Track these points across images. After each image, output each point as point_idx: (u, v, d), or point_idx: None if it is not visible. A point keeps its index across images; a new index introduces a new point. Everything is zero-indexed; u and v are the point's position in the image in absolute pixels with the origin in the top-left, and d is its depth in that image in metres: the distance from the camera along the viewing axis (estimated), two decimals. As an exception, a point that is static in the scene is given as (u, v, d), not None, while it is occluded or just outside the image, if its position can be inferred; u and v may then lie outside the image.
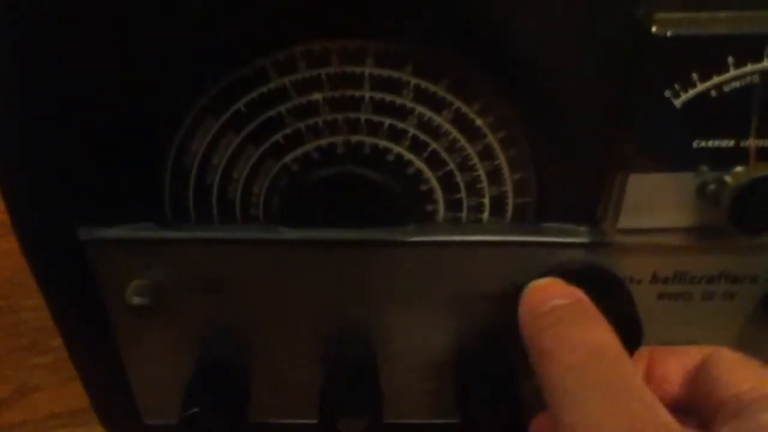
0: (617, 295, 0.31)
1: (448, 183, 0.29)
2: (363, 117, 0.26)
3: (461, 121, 0.27)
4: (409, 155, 0.28)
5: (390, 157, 0.28)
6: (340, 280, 0.31)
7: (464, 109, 0.26)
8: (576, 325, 0.25)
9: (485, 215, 0.30)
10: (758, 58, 0.24)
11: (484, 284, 0.31)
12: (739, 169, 0.27)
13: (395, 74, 0.25)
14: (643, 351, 0.29)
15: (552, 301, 0.27)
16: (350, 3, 0.24)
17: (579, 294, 0.27)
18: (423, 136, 0.27)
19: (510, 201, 0.29)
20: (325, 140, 0.27)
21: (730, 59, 0.24)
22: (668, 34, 0.24)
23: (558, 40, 0.24)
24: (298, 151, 0.27)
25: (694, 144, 0.26)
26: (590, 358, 0.23)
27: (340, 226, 0.29)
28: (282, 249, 0.30)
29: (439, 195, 0.29)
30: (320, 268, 0.30)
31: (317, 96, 0.26)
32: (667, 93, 0.25)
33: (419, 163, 0.28)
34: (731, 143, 0.26)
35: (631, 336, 0.30)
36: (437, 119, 0.26)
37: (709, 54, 0.24)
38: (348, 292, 0.32)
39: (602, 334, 0.25)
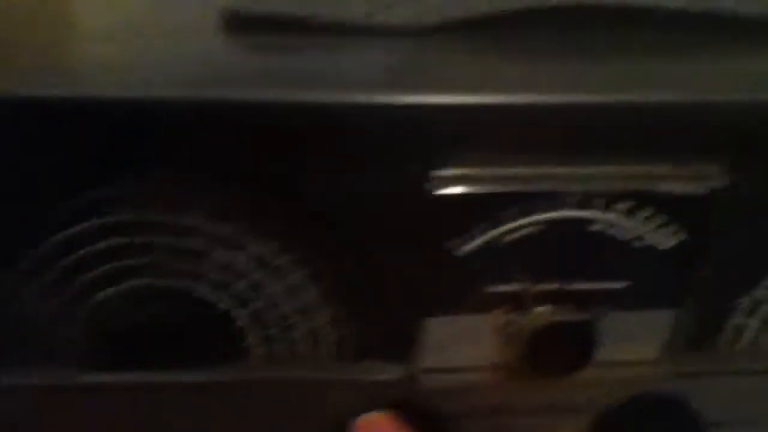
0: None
1: (257, 320, 0.28)
2: (160, 261, 0.26)
3: (261, 261, 0.27)
4: (213, 295, 0.27)
5: (193, 299, 0.27)
6: (153, 425, 0.30)
7: (263, 248, 0.26)
8: None
9: (302, 349, 0.29)
10: (531, 213, 0.25)
11: (304, 421, 0.31)
12: (531, 313, 0.27)
13: (188, 219, 0.25)
14: None
15: None
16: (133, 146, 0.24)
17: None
18: (224, 277, 0.27)
19: (324, 335, 0.29)
20: (124, 285, 0.27)
21: (505, 213, 0.25)
22: (443, 191, 0.24)
23: (345, 191, 0.25)
24: (98, 297, 0.27)
25: (485, 289, 0.27)
26: None
27: (149, 369, 0.29)
28: (84, 394, 0.29)
29: (251, 332, 0.29)
30: (128, 413, 0.30)
31: (112, 242, 0.26)
32: (450, 244, 0.26)
33: (225, 302, 0.28)
34: (520, 289, 0.27)
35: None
36: (237, 259, 0.26)
37: (486, 208, 0.25)
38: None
39: None
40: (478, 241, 0.25)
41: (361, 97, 0.24)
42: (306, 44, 0.27)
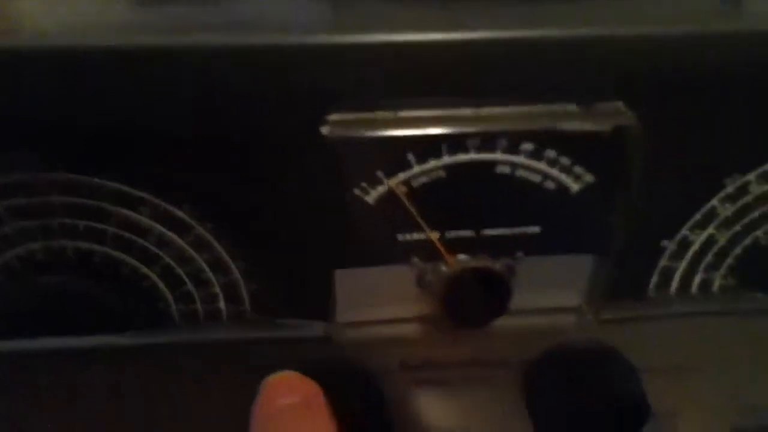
0: (352, 387, 0.30)
1: (169, 277, 0.28)
2: (56, 221, 0.25)
3: (162, 216, 0.26)
4: (116, 254, 0.27)
5: (96, 259, 0.27)
6: (77, 392, 0.30)
7: (160, 202, 0.25)
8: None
9: (222, 305, 0.29)
10: (435, 156, 0.24)
11: (228, 382, 0.30)
12: (446, 262, 0.27)
13: (83, 178, 0.25)
14: None
15: (281, 400, 0.26)
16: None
17: (310, 389, 0.27)
18: (127, 234, 0.26)
19: (241, 291, 0.28)
20: (22, 248, 0.26)
21: (411, 157, 0.24)
22: (341, 135, 0.24)
23: (240, 136, 0.24)
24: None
25: (399, 237, 0.26)
26: None
27: (59, 335, 0.28)
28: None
29: (164, 290, 0.28)
30: (48, 380, 0.29)
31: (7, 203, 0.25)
32: (357, 191, 0.25)
33: (131, 261, 0.27)
34: (432, 237, 0.26)
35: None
36: (136, 216, 0.26)
37: (388, 153, 0.24)
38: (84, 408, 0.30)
39: None
40: (385, 187, 0.25)
41: (253, 39, 0.23)
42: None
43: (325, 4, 0.26)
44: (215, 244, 0.27)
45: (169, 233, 0.26)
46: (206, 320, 0.29)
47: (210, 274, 0.28)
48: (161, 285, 0.28)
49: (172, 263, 0.27)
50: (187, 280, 0.28)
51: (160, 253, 0.27)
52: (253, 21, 0.25)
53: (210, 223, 0.26)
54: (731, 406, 0.34)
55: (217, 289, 0.28)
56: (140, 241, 0.27)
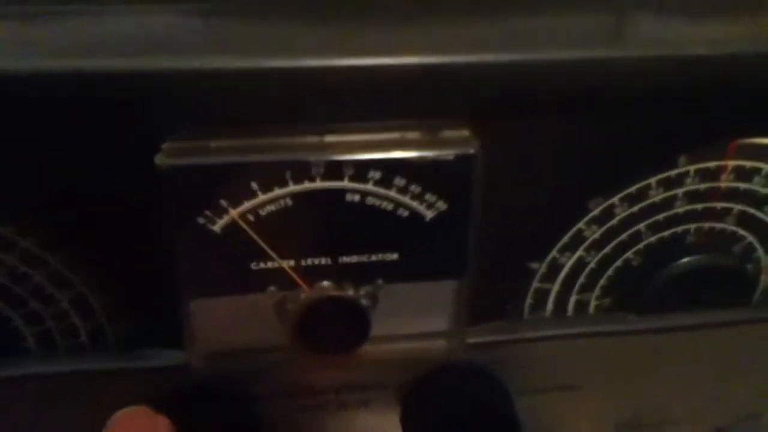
0: (223, 417, 0.29)
1: (9, 297, 0.26)
2: None
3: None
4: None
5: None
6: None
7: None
8: None
9: (76, 321, 0.27)
10: (283, 183, 0.23)
11: (85, 415, 0.29)
12: (304, 291, 0.26)
13: None
14: None
15: None
16: None
17: (159, 426, 0.26)
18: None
19: (95, 301, 0.27)
20: None
21: (255, 185, 0.23)
22: (176, 163, 0.23)
23: (74, 165, 0.23)
24: None
25: (253, 266, 0.25)
26: None
27: None
28: None
29: (9, 312, 0.27)
30: None
31: None
32: (201, 220, 0.24)
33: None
34: (286, 266, 0.25)
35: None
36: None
37: (229, 181, 0.23)
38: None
39: None
40: (232, 214, 0.24)
41: (83, 63, 0.22)
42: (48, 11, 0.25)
43: (196, 22, 0.25)
44: (48, 256, 0.25)
45: (9, 259, 0.25)
46: (64, 340, 0.28)
47: (52, 291, 0.26)
48: (2, 306, 0.26)
49: (7, 282, 0.26)
50: (28, 298, 0.26)
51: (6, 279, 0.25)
52: (100, 42, 0.24)
53: (34, 237, 0.25)
54: (611, 424, 0.34)
55: (66, 305, 0.27)
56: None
